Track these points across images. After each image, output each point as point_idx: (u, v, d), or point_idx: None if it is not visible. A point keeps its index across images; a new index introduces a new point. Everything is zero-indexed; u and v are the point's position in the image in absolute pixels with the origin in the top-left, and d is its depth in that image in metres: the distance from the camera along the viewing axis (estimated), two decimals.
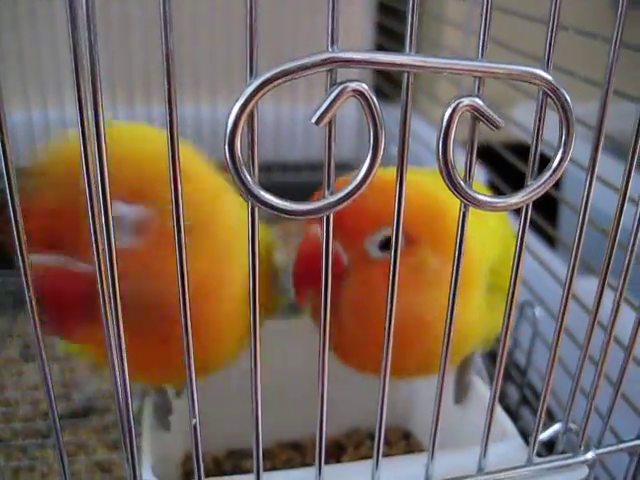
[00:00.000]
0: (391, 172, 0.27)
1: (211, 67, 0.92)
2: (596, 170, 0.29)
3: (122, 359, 0.25)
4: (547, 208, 0.58)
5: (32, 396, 0.67)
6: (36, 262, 0.28)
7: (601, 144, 0.28)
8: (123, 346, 0.25)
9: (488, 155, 0.66)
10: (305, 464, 0.51)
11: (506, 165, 0.64)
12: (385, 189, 0.34)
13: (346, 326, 0.38)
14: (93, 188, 0.23)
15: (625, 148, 0.30)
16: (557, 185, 0.89)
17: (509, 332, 0.31)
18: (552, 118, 0.26)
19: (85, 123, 0.22)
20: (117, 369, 0.25)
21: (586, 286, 0.40)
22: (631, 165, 0.30)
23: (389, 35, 0.94)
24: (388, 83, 0.87)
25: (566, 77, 0.45)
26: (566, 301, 0.32)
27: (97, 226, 0.24)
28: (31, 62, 0.90)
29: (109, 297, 0.25)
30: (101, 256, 0.24)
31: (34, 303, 0.26)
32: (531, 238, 0.66)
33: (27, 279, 0.25)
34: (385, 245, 0.37)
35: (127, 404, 0.26)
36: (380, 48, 0.97)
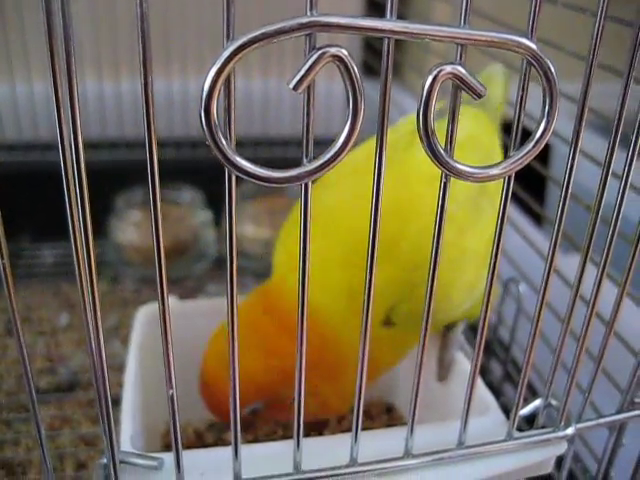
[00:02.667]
0: None
1: (199, 41, 0.91)
2: (580, 143, 0.28)
3: (97, 326, 0.25)
4: (534, 187, 0.58)
5: (16, 370, 0.66)
6: None
7: (585, 116, 0.28)
8: (98, 314, 0.25)
9: None
10: (287, 437, 0.51)
11: None
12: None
13: None
14: (69, 168, 0.23)
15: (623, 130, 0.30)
16: (545, 162, 0.89)
17: (491, 301, 0.30)
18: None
19: (59, 97, 0.22)
20: (92, 338, 0.25)
21: (572, 264, 0.40)
22: (615, 137, 0.30)
23: (379, 10, 0.93)
24: (377, 59, 0.87)
25: (559, 55, 0.45)
26: (548, 275, 0.32)
27: (72, 203, 0.23)
28: (15, 35, 0.89)
29: (84, 264, 0.24)
30: (77, 238, 0.24)
31: (9, 276, 0.26)
32: (517, 215, 0.66)
33: (1, 251, 0.25)
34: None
35: (103, 374, 0.26)
36: None
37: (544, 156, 0.88)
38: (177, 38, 0.92)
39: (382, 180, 0.26)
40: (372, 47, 0.89)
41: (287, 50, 0.91)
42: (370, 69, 0.88)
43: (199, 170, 0.82)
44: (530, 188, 0.56)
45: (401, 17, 0.23)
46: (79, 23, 0.91)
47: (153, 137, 0.22)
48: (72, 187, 0.23)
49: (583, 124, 0.27)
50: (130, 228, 0.80)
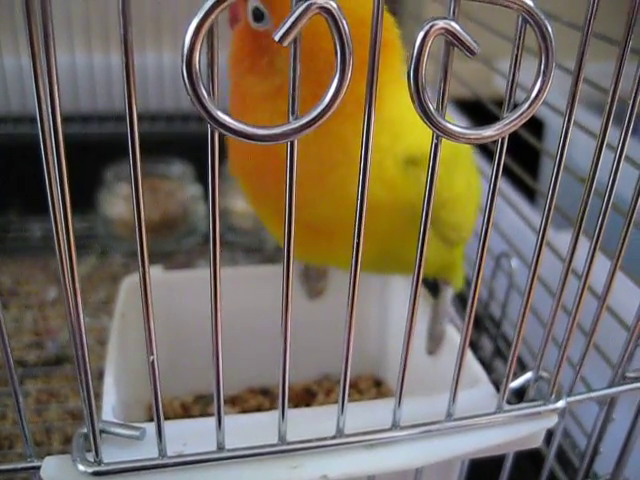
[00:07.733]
0: None
1: (191, 15, 0.90)
2: (575, 109, 0.28)
3: (74, 288, 0.24)
4: (527, 164, 0.58)
5: None
6: None
7: (579, 88, 0.27)
8: (76, 276, 0.24)
9: (477, 110, 0.65)
10: (274, 409, 0.51)
11: (495, 120, 0.63)
12: None
13: None
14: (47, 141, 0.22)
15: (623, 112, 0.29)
16: (539, 137, 0.88)
17: (482, 265, 0.30)
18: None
19: (37, 69, 0.21)
20: (71, 301, 0.24)
21: (565, 241, 0.39)
22: (610, 110, 0.29)
23: None
24: None
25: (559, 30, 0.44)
26: (540, 248, 0.32)
27: (52, 177, 0.23)
28: (3, 6, 0.88)
29: (65, 247, 0.24)
30: (57, 213, 0.23)
31: None
32: (510, 191, 0.65)
33: None
34: (257, 17, 0.38)
35: (81, 340, 0.25)
36: None
37: (538, 134, 0.87)
38: (168, 11, 0.90)
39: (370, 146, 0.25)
40: None
41: None
42: None
43: (190, 144, 0.80)
44: (523, 165, 0.55)
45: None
46: None
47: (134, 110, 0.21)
48: (50, 161, 0.23)
49: (579, 86, 0.26)
50: (119, 201, 0.79)
